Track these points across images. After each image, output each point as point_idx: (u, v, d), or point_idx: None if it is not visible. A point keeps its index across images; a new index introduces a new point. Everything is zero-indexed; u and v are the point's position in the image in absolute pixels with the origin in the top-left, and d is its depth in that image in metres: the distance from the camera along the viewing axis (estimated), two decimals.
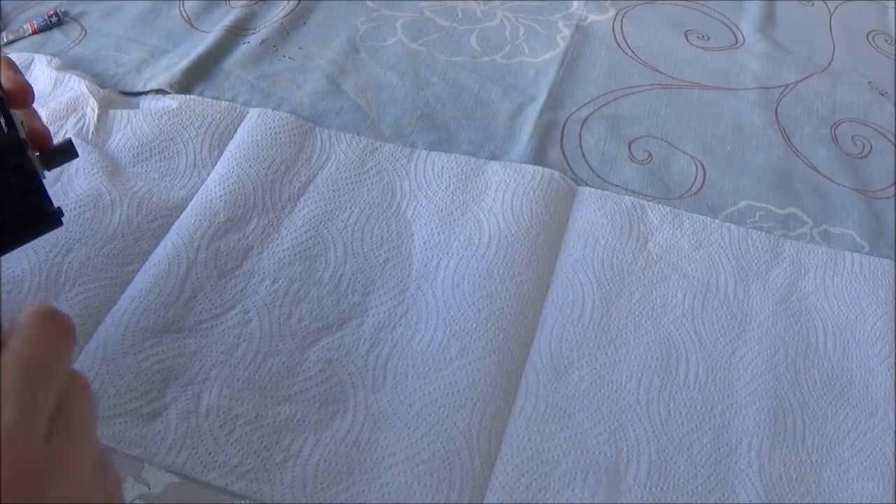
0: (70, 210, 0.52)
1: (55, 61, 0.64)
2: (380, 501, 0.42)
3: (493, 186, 0.57)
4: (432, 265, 0.52)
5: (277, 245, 0.53)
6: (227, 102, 0.62)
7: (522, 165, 0.58)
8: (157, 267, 0.50)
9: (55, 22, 0.70)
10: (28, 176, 0.38)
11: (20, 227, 0.38)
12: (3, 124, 0.37)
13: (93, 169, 0.55)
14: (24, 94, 0.42)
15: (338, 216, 0.55)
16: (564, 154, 0.62)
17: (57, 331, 0.27)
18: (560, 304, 0.51)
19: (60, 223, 0.39)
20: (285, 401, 0.45)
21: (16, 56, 0.65)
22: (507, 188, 0.57)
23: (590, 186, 0.59)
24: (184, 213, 0.54)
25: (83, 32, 0.70)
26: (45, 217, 0.39)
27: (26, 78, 0.43)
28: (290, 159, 0.58)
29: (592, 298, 0.52)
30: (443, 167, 0.58)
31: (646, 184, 0.60)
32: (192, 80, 0.65)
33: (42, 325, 0.26)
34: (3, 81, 0.41)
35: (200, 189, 0.55)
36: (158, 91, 0.63)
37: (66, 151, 0.42)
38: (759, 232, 0.57)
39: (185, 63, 0.66)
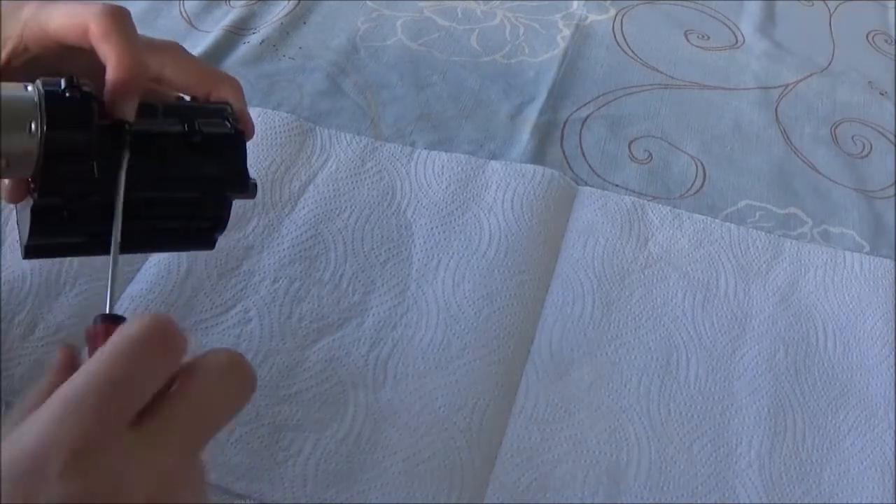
0: None
1: None
2: (380, 501, 0.42)
3: (493, 186, 0.57)
4: (432, 265, 0.52)
5: (278, 244, 0.53)
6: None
7: (522, 165, 0.58)
8: (157, 267, 0.50)
9: None
10: (227, 205, 0.36)
11: (183, 239, 0.37)
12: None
13: None
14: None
15: (338, 216, 0.55)
16: (564, 154, 0.62)
17: (153, 346, 0.25)
18: (560, 304, 0.51)
19: (213, 247, 0.38)
20: (285, 400, 0.45)
21: None
22: (507, 188, 0.57)
23: (590, 186, 0.59)
24: None
25: None
26: (207, 240, 0.37)
27: None
28: (291, 159, 0.58)
29: (592, 298, 0.52)
30: (443, 167, 0.58)
31: (646, 184, 0.60)
32: None
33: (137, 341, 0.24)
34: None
35: None
36: None
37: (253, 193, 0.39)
38: (759, 232, 0.57)
39: None
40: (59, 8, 0.35)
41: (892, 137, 0.67)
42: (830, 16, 0.81)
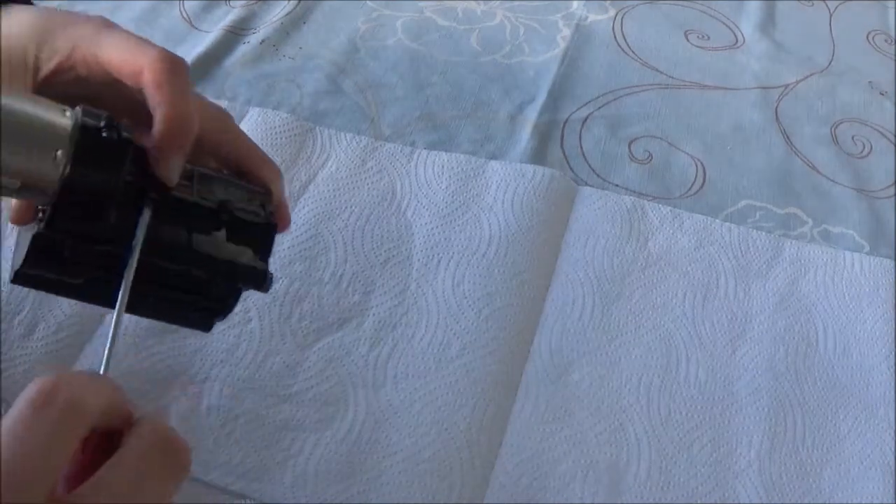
0: None
1: None
2: (380, 501, 0.42)
3: (493, 186, 0.57)
4: (433, 264, 0.52)
5: (277, 244, 0.53)
6: (227, 102, 0.62)
7: (523, 165, 0.58)
8: None
9: None
10: (237, 294, 0.34)
11: (180, 313, 0.34)
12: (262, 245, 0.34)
13: None
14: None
15: (338, 216, 0.55)
16: (564, 154, 0.62)
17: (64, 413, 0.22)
18: (560, 304, 0.51)
19: (208, 331, 0.36)
20: (286, 400, 0.45)
21: None
22: (507, 188, 0.57)
23: (590, 186, 0.59)
24: None
25: None
26: (205, 323, 0.35)
27: None
28: (291, 159, 0.58)
29: (593, 298, 0.52)
30: (443, 167, 0.58)
31: (646, 183, 0.60)
32: (192, 80, 0.65)
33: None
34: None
35: None
36: None
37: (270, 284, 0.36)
38: (759, 232, 0.57)
39: None
40: (116, 38, 0.33)
41: (892, 137, 0.67)
42: (830, 16, 0.81)
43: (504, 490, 0.43)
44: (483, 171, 0.58)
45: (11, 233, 0.50)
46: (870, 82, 0.72)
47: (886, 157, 0.65)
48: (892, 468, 0.45)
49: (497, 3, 0.77)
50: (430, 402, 0.45)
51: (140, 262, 0.30)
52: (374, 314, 0.50)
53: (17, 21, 0.34)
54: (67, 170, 0.28)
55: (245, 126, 0.60)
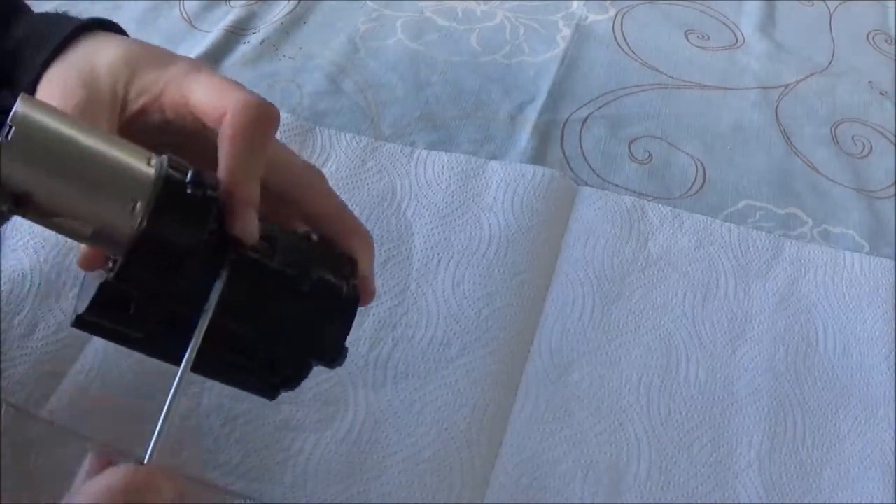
0: None
1: None
2: (380, 501, 0.42)
3: (493, 186, 0.57)
4: (433, 264, 0.52)
5: None
6: None
7: (523, 165, 0.58)
8: None
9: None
10: (308, 368, 0.32)
11: (246, 379, 0.32)
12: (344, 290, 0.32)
13: None
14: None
15: None
16: (564, 154, 0.62)
17: None
18: (560, 304, 0.51)
19: (273, 399, 0.33)
20: (285, 400, 0.45)
21: None
22: (507, 188, 0.57)
23: (590, 186, 0.59)
24: None
25: None
26: (270, 391, 0.33)
27: None
28: None
29: (593, 298, 0.52)
30: (443, 167, 0.58)
31: (646, 184, 0.60)
32: None
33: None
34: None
35: None
36: None
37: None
38: (759, 232, 0.57)
39: None
40: (205, 80, 0.30)
41: (892, 137, 0.67)
42: (830, 16, 0.81)
43: (504, 490, 0.43)
44: (483, 171, 0.58)
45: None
46: (870, 82, 0.72)
47: (886, 157, 0.65)
48: (892, 468, 0.45)
49: (497, 3, 0.77)
50: (430, 402, 0.45)
51: (211, 323, 0.28)
52: (374, 314, 0.50)
53: (108, 52, 0.32)
54: (145, 223, 0.26)
55: None
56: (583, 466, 0.44)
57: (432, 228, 0.54)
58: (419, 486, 0.42)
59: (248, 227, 0.28)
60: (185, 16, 0.73)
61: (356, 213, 0.55)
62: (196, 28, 0.71)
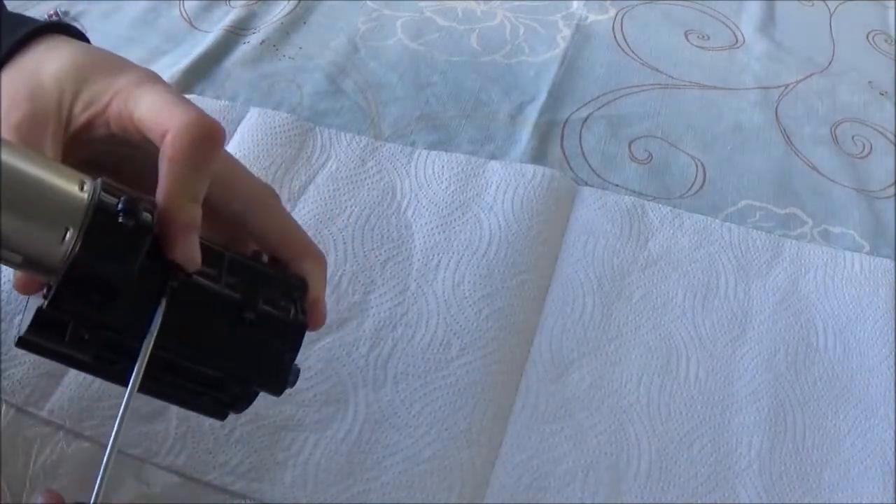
0: None
1: None
2: (380, 501, 0.42)
3: (493, 186, 0.57)
4: (432, 265, 0.52)
5: None
6: (227, 102, 0.62)
7: (523, 165, 0.58)
8: None
9: (55, 22, 0.70)
10: (253, 395, 0.32)
11: (194, 400, 0.32)
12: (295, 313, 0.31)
13: None
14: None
15: (338, 216, 0.55)
16: (564, 154, 0.62)
17: None
18: (560, 304, 0.51)
19: (223, 419, 0.33)
20: (285, 400, 0.45)
21: None
22: (507, 188, 0.57)
23: (590, 186, 0.59)
24: None
25: None
26: (219, 412, 0.33)
27: None
28: (290, 159, 0.58)
29: (593, 298, 0.52)
30: (443, 167, 0.58)
31: (646, 183, 0.60)
32: (192, 79, 0.65)
33: None
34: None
35: None
36: None
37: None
38: (759, 232, 0.57)
39: (185, 63, 0.66)
40: (153, 95, 0.29)
41: (892, 137, 0.67)
42: (830, 16, 0.81)
43: (504, 490, 0.43)
44: (483, 171, 0.58)
45: None
46: (870, 82, 0.72)
47: (886, 157, 0.65)
48: (892, 468, 0.45)
49: (497, 3, 0.77)
50: (430, 402, 0.45)
51: (153, 351, 0.27)
52: (374, 314, 0.50)
53: (58, 60, 0.31)
54: (75, 252, 0.25)
55: (245, 126, 0.60)
56: (583, 466, 0.44)
57: (432, 228, 0.54)
58: (419, 486, 0.42)
59: (189, 252, 0.27)
60: (185, 16, 0.73)
61: (356, 213, 0.55)
62: (196, 28, 0.71)
